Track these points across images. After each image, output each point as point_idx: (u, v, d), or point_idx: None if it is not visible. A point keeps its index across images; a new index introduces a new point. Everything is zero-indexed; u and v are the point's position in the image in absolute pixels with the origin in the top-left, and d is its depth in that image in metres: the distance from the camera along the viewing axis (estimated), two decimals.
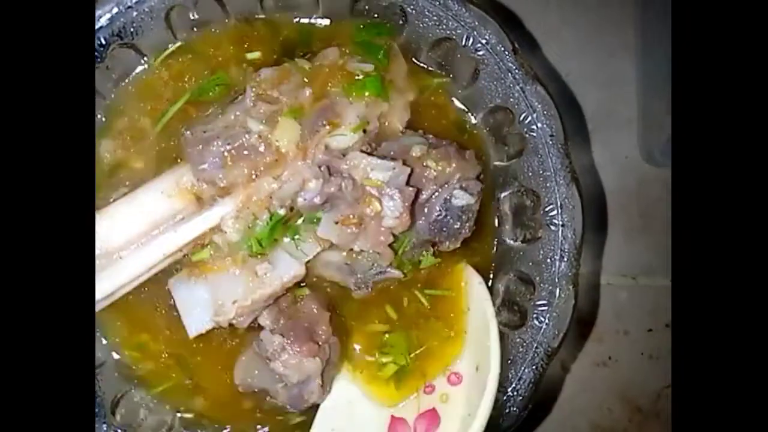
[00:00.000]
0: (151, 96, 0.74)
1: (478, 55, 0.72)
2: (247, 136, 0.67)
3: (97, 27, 0.70)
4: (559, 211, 0.71)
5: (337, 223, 0.66)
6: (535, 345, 0.71)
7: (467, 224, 0.70)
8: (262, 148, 0.67)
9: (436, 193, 0.68)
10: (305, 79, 0.70)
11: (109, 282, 0.67)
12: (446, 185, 0.68)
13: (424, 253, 0.72)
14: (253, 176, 0.67)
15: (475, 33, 0.71)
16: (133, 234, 0.68)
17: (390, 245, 0.67)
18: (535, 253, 0.73)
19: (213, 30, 0.75)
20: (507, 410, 0.70)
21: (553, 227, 0.71)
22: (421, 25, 0.73)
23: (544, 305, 0.71)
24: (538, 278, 0.72)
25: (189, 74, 0.74)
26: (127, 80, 0.74)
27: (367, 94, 0.69)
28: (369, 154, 0.67)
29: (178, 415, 0.75)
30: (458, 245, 0.71)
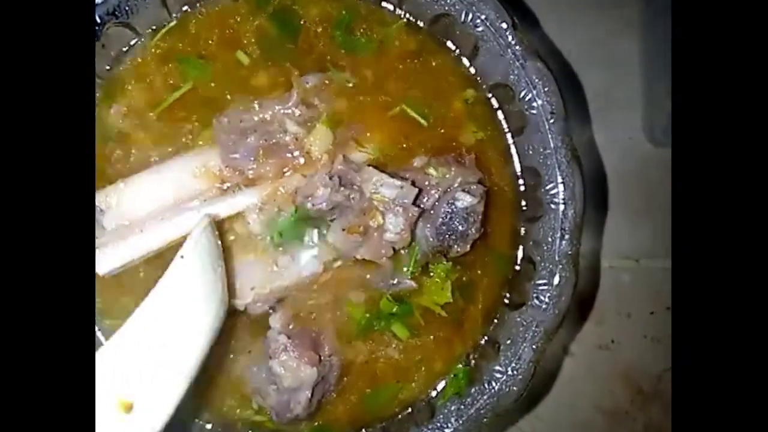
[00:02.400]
0: (147, 75, 0.73)
1: (478, 31, 0.71)
2: (282, 135, 0.70)
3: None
4: (560, 189, 0.70)
5: (344, 230, 0.68)
6: (534, 324, 0.70)
7: (474, 226, 0.70)
8: (294, 150, 0.70)
9: (439, 199, 0.70)
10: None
11: (128, 251, 0.68)
12: (448, 190, 0.69)
13: (435, 263, 0.72)
14: (282, 173, 0.70)
15: (474, 8, 0.70)
16: (156, 207, 0.69)
17: (390, 258, 0.69)
18: (535, 232, 0.72)
19: (206, 9, 0.74)
20: (507, 389, 0.69)
21: (553, 206, 0.71)
22: (419, 1, 0.72)
23: (544, 284, 0.70)
24: (538, 258, 0.71)
25: (184, 54, 0.73)
26: (123, 59, 0.73)
27: None
28: (381, 170, 0.68)
29: None
30: (468, 248, 0.71)
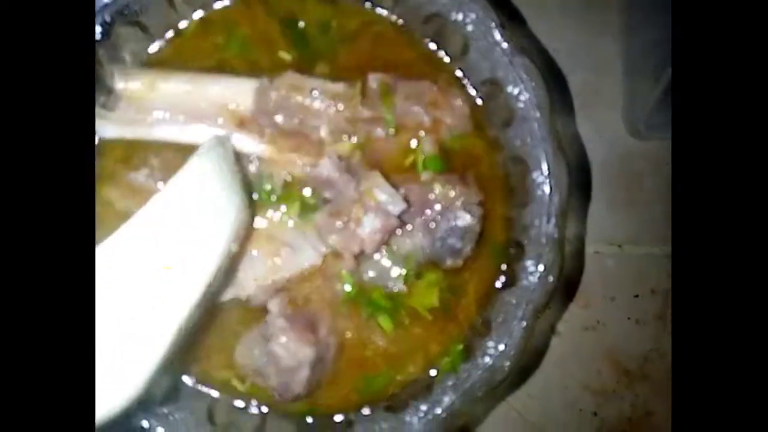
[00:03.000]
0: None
1: (467, 30, 0.76)
2: (312, 130, 0.74)
3: (101, 5, 0.73)
4: (547, 176, 0.75)
5: (331, 215, 0.72)
6: (524, 303, 0.75)
7: (469, 245, 0.75)
8: (317, 147, 0.74)
9: (440, 214, 0.74)
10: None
11: (130, 133, 0.73)
12: (450, 207, 0.74)
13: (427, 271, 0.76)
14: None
15: (464, 8, 0.75)
16: (173, 110, 0.73)
17: (355, 257, 0.73)
18: (524, 217, 0.77)
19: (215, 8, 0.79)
20: (500, 364, 0.74)
21: (540, 192, 0.76)
22: (411, 2, 0.77)
23: (532, 266, 0.75)
24: (526, 241, 0.76)
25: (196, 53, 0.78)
26: (137, 58, 0.78)
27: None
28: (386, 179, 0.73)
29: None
30: (461, 264, 0.76)
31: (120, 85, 0.73)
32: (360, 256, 0.73)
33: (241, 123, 0.74)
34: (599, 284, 0.96)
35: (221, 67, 0.77)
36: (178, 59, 0.78)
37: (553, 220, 0.75)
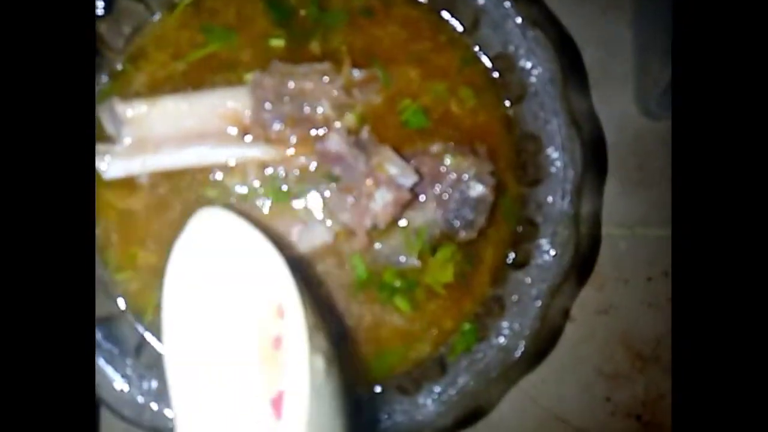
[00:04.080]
0: (166, 49, 0.76)
1: (479, 4, 0.75)
2: (313, 110, 0.72)
3: None
4: (561, 152, 0.74)
5: (341, 191, 0.71)
6: (539, 282, 0.73)
7: (482, 216, 0.73)
8: (320, 128, 0.73)
9: (452, 186, 0.72)
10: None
11: (139, 166, 0.72)
12: (462, 177, 0.72)
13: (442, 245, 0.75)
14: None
15: None
16: (175, 132, 0.72)
17: (368, 234, 0.72)
18: (537, 195, 0.76)
19: None
20: (515, 344, 0.72)
21: (554, 168, 0.74)
22: None
23: (547, 244, 0.74)
24: (540, 219, 0.75)
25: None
26: (139, 34, 0.76)
27: None
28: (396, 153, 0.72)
29: None
30: (475, 235, 0.74)
31: (120, 109, 0.72)
32: (373, 233, 0.71)
33: (244, 129, 0.73)
34: (611, 267, 0.94)
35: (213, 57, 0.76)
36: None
37: (567, 197, 0.73)
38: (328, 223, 0.73)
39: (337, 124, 0.72)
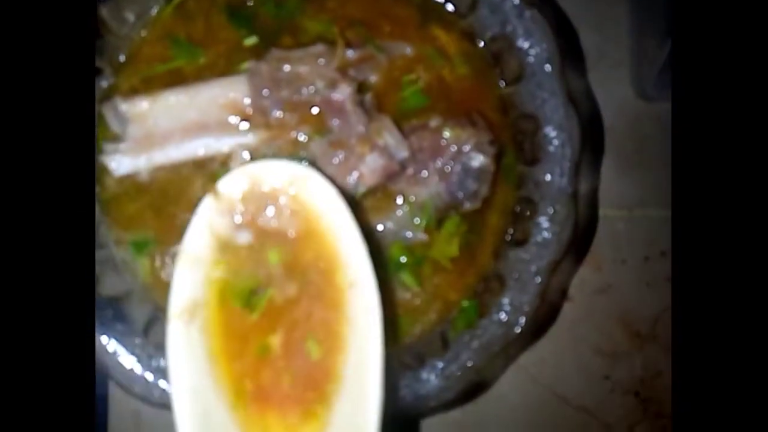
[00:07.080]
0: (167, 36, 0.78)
1: None
2: (310, 92, 0.73)
3: None
4: (558, 131, 0.75)
5: (331, 144, 0.71)
6: (538, 259, 0.74)
7: (485, 185, 0.75)
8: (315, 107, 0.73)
9: (453, 158, 0.74)
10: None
11: (146, 161, 0.74)
12: (462, 148, 0.73)
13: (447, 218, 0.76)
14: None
15: None
16: (179, 125, 0.73)
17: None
18: (536, 174, 0.77)
19: None
20: (515, 320, 0.73)
21: (552, 147, 0.75)
22: None
23: (546, 221, 0.75)
24: (539, 196, 0.76)
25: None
26: (140, 19, 0.77)
27: None
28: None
29: None
30: (479, 205, 0.75)
31: (124, 107, 0.73)
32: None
33: (245, 116, 0.74)
34: (610, 247, 0.96)
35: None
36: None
37: (566, 175, 0.74)
38: None
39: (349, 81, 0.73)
